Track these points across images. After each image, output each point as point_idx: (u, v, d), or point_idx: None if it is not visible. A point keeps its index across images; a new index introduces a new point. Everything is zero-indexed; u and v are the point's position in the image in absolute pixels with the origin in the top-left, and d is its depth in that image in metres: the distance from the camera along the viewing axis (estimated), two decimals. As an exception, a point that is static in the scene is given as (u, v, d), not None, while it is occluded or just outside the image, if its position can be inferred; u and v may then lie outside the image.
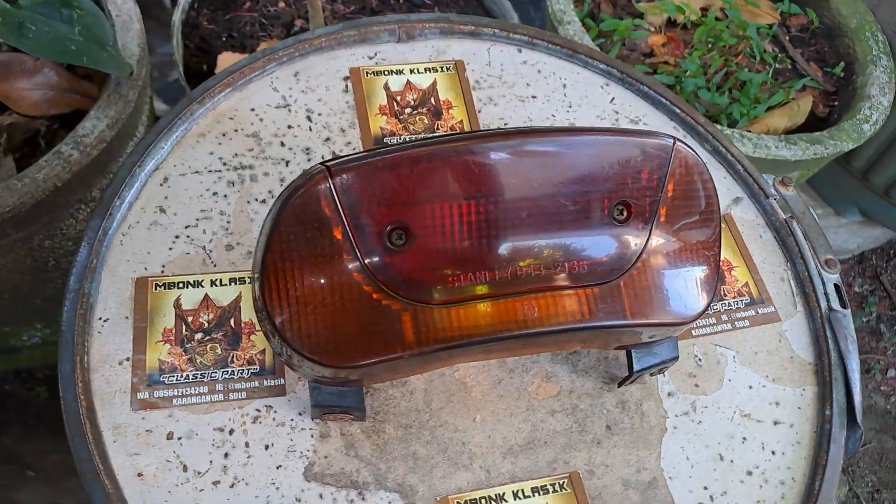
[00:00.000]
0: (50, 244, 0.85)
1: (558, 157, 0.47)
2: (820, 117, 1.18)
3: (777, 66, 1.18)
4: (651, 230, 0.50)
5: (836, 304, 0.63)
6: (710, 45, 1.13)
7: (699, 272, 0.51)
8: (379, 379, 0.54)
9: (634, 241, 0.49)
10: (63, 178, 0.79)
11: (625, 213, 0.49)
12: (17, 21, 0.75)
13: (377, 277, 0.46)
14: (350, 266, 0.46)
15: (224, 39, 1.07)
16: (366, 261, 0.46)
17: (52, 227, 0.83)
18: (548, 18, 1.09)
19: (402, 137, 0.67)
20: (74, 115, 0.94)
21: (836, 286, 0.64)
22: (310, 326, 0.46)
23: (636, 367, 0.54)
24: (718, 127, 0.99)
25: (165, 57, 1.42)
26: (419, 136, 0.67)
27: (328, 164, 0.45)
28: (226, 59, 1.02)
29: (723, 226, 0.67)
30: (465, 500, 0.53)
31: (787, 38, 1.25)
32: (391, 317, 0.47)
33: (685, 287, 0.50)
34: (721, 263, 0.65)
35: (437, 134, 0.68)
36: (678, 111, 0.72)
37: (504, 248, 0.47)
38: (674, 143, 0.49)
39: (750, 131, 1.02)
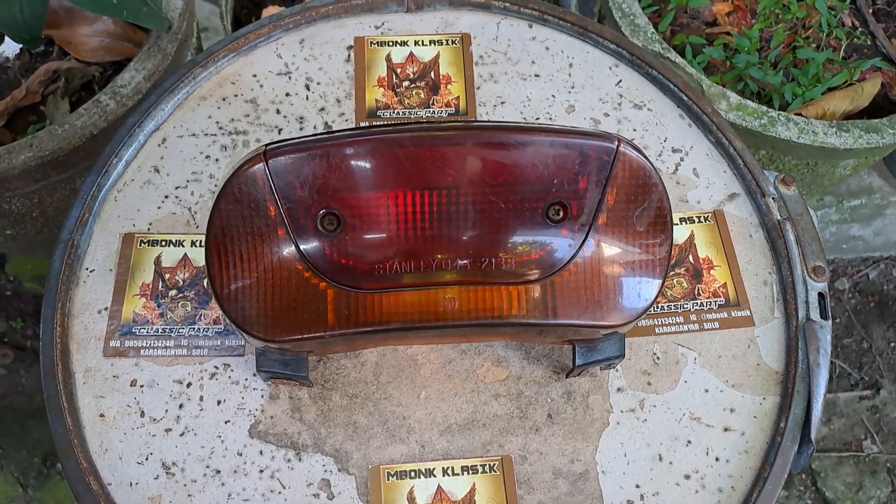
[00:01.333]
0: (82, 182, 0.91)
1: (496, 153, 0.48)
2: (894, 101, 1.11)
3: (854, 41, 1.11)
4: (588, 233, 0.50)
5: (815, 315, 0.61)
6: (777, 17, 1.08)
7: (639, 279, 0.51)
8: (324, 351, 0.57)
9: (568, 242, 0.50)
10: (100, 126, 0.84)
11: (561, 214, 0.49)
12: (61, -26, 0.80)
13: (307, 258, 0.48)
14: (283, 245, 0.48)
15: (275, -8, 1.10)
16: (298, 242, 0.48)
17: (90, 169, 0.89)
18: (600, -16, 1.06)
19: (396, 111, 0.68)
20: (128, 63, 0.99)
21: (820, 294, 0.62)
22: (246, 299, 0.49)
23: (578, 361, 0.55)
24: (765, 108, 0.95)
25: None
26: (409, 112, 0.68)
27: (268, 146, 0.47)
28: (270, 12, 1.04)
29: (712, 222, 0.65)
30: (396, 471, 0.55)
31: (871, 11, 1.17)
32: (318, 297, 0.49)
33: (621, 292, 0.50)
34: (700, 261, 0.64)
35: (384, 124, 0.68)
36: (685, 98, 0.70)
37: (432, 241, 0.48)
38: (617, 145, 0.48)
39: (801, 114, 0.98)
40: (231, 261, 0.49)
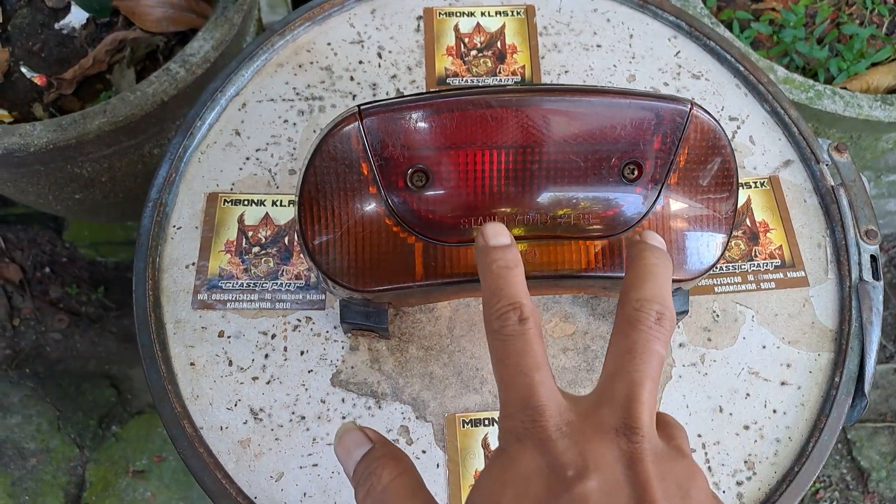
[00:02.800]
0: (158, 152, 0.95)
1: (575, 115, 0.50)
2: (938, 76, 1.12)
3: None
4: (660, 191, 0.52)
5: (867, 276, 0.64)
6: (822, -6, 1.09)
7: (706, 236, 0.53)
8: (401, 303, 0.60)
9: (642, 200, 0.52)
10: (170, 93, 0.87)
11: (636, 173, 0.52)
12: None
13: (397, 213, 0.51)
14: (374, 201, 0.51)
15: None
16: (388, 197, 0.51)
17: (160, 136, 0.93)
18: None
19: (465, 79, 0.71)
20: (191, 34, 1.02)
21: (872, 257, 0.65)
22: (335, 252, 0.52)
23: (644, 316, 0.58)
24: (811, 82, 0.97)
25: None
26: (477, 80, 0.71)
27: (361, 106, 0.50)
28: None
29: (768, 188, 0.68)
30: (471, 419, 0.59)
31: (915, -12, 1.18)
32: (406, 250, 0.52)
33: (689, 248, 0.53)
34: (757, 225, 0.66)
35: (470, 86, 0.71)
36: (742, 69, 0.72)
37: (514, 197, 0.51)
38: (690, 108, 0.51)
39: (846, 88, 1.00)
40: (323, 216, 0.52)
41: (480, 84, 0.71)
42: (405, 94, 0.69)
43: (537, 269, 0.52)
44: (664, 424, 0.41)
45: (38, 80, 0.97)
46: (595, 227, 0.53)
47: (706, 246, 0.53)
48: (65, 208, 1.04)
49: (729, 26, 1.06)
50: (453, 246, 0.52)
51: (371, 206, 0.51)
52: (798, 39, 1.01)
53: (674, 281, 0.53)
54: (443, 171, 0.51)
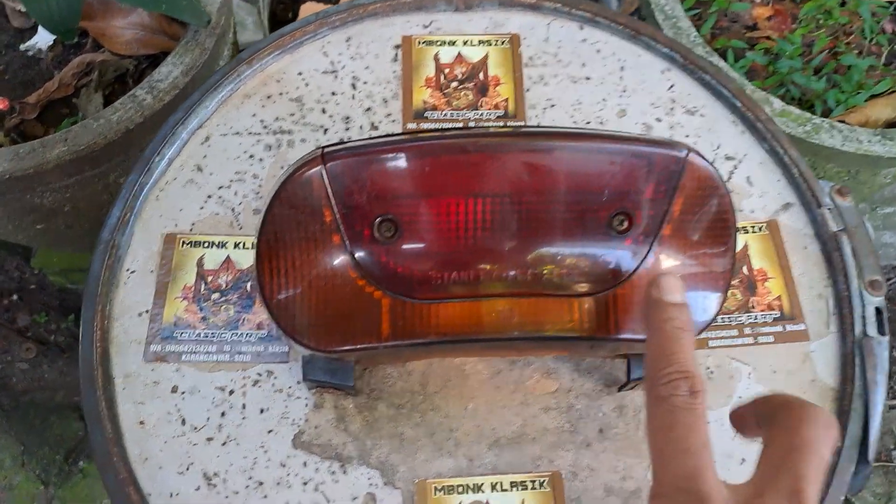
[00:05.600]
0: (124, 181, 0.90)
1: (561, 161, 0.46)
2: (938, 109, 1.08)
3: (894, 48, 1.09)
4: (652, 244, 0.48)
5: (872, 330, 0.59)
6: (818, 22, 1.06)
7: (702, 293, 0.49)
8: (370, 362, 0.55)
9: (632, 253, 0.48)
10: (136, 121, 0.83)
11: (625, 224, 0.47)
12: (100, -33, 0.79)
13: (362, 265, 0.47)
14: (337, 252, 0.47)
15: (311, -12, 1.08)
16: (352, 248, 0.47)
17: (126, 164, 0.88)
18: (640, -15, 1.04)
19: (444, 112, 0.67)
20: (163, 56, 0.97)
21: (877, 310, 0.60)
22: (296, 306, 0.48)
23: (633, 374, 0.53)
24: (809, 115, 0.93)
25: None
26: (457, 114, 0.67)
27: (325, 149, 0.46)
28: (308, 9, 1.03)
29: (766, 232, 0.64)
30: (443, 486, 0.54)
31: (915, 18, 1.15)
32: (372, 306, 0.47)
33: (683, 305, 0.49)
34: (754, 273, 0.62)
35: (443, 129, 0.66)
36: (738, 104, 0.68)
37: (491, 250, 0.47)
38: (686, 154, 0.47)
39: (844, 121, 0.96)
40: (282, 267, 0.47)
41: (454, 119, 0.66)
42: (379, 127, 0.65)
43: (517, 330, 0.47)
44: None
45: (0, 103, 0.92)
46: (582, 283, 0.48)
47: (702, 304, 0.49)
48: (27, 238, 0.99)
49: (723, 55, 1.02)
50: (424, 302, 0.47)
51: (334, 258, 0.47)
52: (795, 70, 0.97)
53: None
54: (414, 221, 0.46)
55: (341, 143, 0.47)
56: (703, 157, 0.47)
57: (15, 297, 1.35)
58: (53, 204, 0.88)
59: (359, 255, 0.47)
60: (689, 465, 0.37)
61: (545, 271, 0.47)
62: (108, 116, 0.82)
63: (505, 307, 0.47)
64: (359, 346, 0.47)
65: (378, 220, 0.46)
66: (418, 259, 0.47)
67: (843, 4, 1.07)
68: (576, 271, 0.48)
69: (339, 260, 0.47)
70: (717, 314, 0.49)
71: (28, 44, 0.98)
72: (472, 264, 0.47)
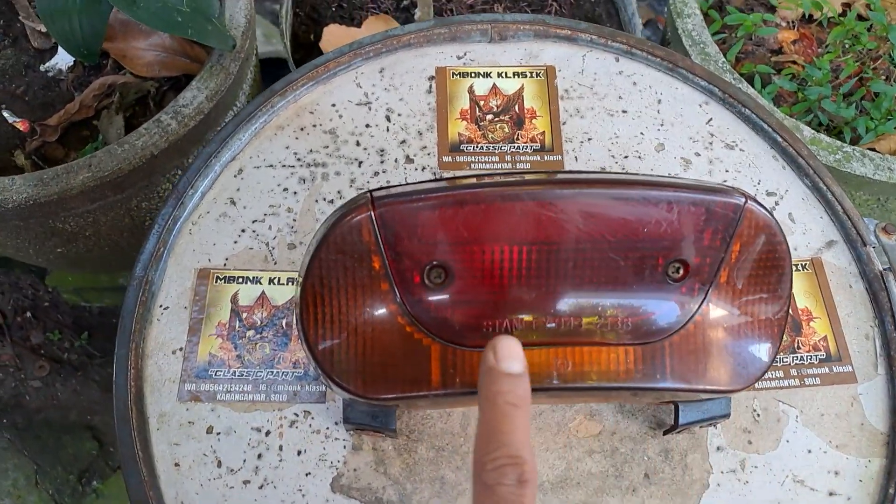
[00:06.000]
0: (147, 205, 0.89)
1: (614, 208, 0.45)
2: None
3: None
4: (708, 293, 0.47)
5: (921, 373, 0.58)
6: (845, 48, 1.05)
7: (757, 342, 0.48)
8: (411, 407, 0.54)
9: (687, 302, 0.47)
10: (160, 146, 0.82)
11: (681, 272, 0.46)
12: (128, -10, 0.78)
13: (411, 312, 0.46)
14: (386, 298, 0.46)
15: (333, 10, 1.07)
16: (402, 295, 0.45)
17: (149, 190, 0.87)
18: (668, 10, 1.03)
19: (480, 146, 0.66)
20: (184, 79, 0.96)
21: (925, 352, 0.59)
22: (341, 353, 0.46)
23: (682, 420, 0.52)
24: (840, 143, 0.92)
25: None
26: (494, 147, 0.66)
27: (374, 193, 0.45)
28: (332, 32, 1.02)
29: (810, 271, 0.62)
30: (487, 534, 0.52)
31: (942, 42, 1.14)
32: (421, 353, 0.46)
33: (738, 355, 0.48)
34: (799, 313, 0.61)
35: (496, 173, 0.65)
36: (779, 139, 0.67)
37: (546, 297, 0.46)
38: (745, 202, 0.46)
39: (874, 149, 0.95)
40: (328, 313, 0.46)
41: (496, 151, 0.65)
42: (414, 160, 0.64)
43: (578, 379, 0.46)
44: None
45: (20, 125, 0.91)
46: (639, 330, 0.47)
47: (755, 353, 0.48)
48: (46, 261, 0.98)
49: (750, 80, 1.01)
50: (475, 350, 0.46)
51: (383, 305, 0.46)
52: (825, 97, 0.96)
53: (722, 391, 0.48)
54: (465, 267, 0.45)
55: (390, 187, 0.45)
56: (760, 205, 0.46)
57: (29, 314, 1.33)
58: (75, 228, 0.87)
59: (408, 301, 0.45)
60: None
61: (599, 320, 0.46)
62: (132, 142, 0.81)
63: (559, 356, 0.46)
64: (408, 395, 0.46)
65: (428, 266, 0.45)
66: (469, 306, 0.46)
67: (869, 29, 1.06)
68: (630, 320, 0.46)
69: (388, 307, 0.46)
70: (771, 364, 0.48)
71: (48, 64, 0.97)
72: (525, 311, 0.46)
